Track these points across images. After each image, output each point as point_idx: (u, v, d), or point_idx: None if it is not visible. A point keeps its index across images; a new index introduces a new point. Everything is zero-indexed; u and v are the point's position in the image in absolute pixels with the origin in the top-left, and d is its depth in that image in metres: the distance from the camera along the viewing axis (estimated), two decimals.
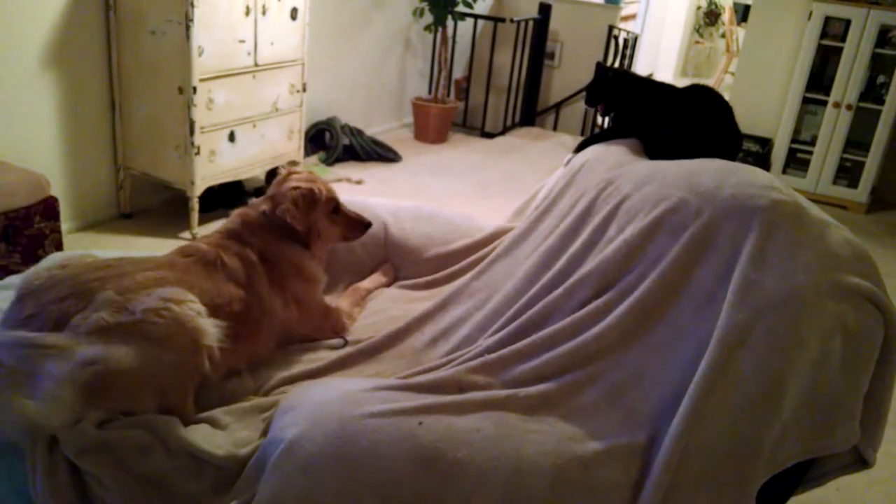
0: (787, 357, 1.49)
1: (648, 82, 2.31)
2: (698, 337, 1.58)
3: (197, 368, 1.59)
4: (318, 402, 1.50)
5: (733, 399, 1.47)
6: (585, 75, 6.22)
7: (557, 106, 6.61)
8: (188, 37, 3.30)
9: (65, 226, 3.32)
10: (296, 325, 1.96)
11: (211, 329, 1.60)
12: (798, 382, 1.50)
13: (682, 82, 2.34)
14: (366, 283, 2.30)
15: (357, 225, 2.13)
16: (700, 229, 1.66)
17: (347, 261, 2.34)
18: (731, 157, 2.04)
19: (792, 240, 1.59)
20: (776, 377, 1.48)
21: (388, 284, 2.36)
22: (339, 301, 2.15)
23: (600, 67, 2.32)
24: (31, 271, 1.69)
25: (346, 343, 1.98)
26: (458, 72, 6.43)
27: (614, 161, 2.06)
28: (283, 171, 2.09)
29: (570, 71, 6.51)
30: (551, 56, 6.54)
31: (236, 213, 1.99)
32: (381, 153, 5.15)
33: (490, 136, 6.11)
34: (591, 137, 2.35)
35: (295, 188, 1.97)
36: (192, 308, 1.57)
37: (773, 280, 1.54)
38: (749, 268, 1.56)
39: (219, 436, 1.56)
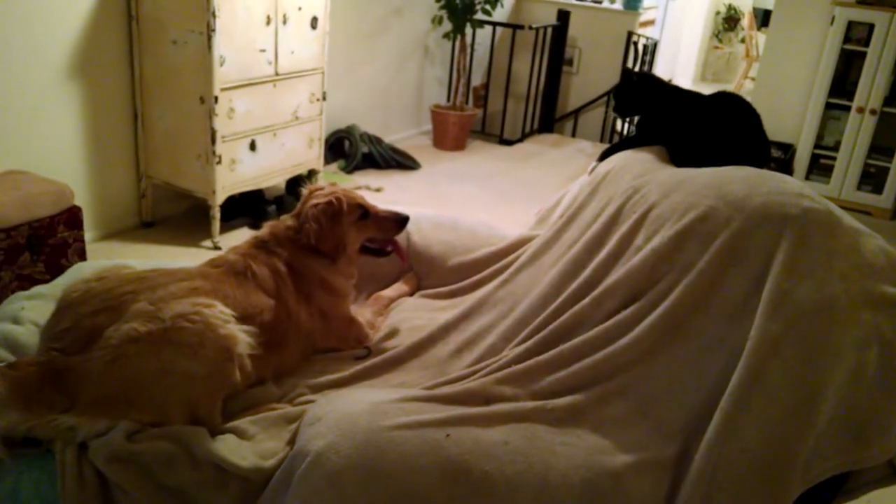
0: (822, 368, 1.46)
1: (674, 88, 2.29)
2: (728, 348, 1.55)
3: (228, 379, 1.57)
4: (345, 413, 1.49)
5: (767, 411, 1.44)
6: (604, 81, 6.26)
7: (576, 112, 6.59)
8: (210, 46, 3.31)
9: (88, 235, 3.34)
10: (320, 335, 1.96)
11: (243, 336, 1.59)
12: (833, 394, 1.47)
13: (701, 88, 2.32)
14: (388, 292, 2.29)
15: (391, 223, 2.05)
16: (730, 238, 1.63)
17: (370, 269, 2.33)
18: (760, 166, 2.01)
19: (825, 248, 1.56)
20: (810, 388, 1.45)
21: (411, 293, 2.34)
22: (362, 310, 2.14)
23: (626, 73, 2.30)
24: (71, 282, 1.70)
25: (369, 352, 1.97)
26: (477, 79, 6.43)
27: (640, 169, 2.03)
28: (305, 192, 2.05)
29: (589, 77, 6.49)
30: (570, 62, 6.53)
31: (267, 225, 1.99)
32: (400, 161, 5.15)
33: (509, 142, 6.10)
34: (616, 145, 2.33)
35: (315, 205, 1.95)
36: (223, 313, 1.57)
37: (807, 290, 1.51)
38: (782, 277, 1.53)
39: (244, 447, 1.55)
